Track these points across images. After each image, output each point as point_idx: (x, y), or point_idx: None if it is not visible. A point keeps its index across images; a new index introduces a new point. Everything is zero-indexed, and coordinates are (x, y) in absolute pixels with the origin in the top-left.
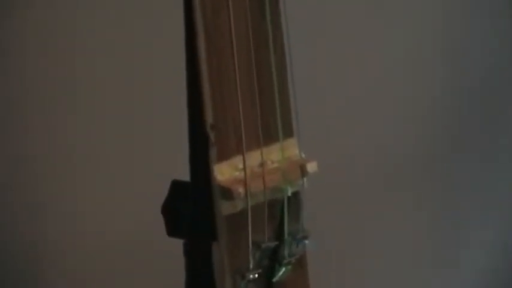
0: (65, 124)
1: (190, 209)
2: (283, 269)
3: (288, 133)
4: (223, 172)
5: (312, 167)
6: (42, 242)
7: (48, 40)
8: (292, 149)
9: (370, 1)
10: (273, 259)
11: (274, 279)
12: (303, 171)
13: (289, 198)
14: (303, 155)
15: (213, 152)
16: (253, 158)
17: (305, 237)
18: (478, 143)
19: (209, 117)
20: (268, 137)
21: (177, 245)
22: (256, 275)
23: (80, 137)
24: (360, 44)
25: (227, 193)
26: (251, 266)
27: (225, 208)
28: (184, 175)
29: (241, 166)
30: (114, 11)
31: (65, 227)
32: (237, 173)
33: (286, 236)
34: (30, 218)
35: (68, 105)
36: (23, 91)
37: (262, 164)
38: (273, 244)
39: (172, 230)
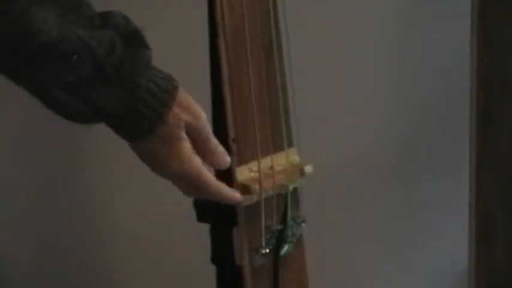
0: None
1: (215, 202)
2: (287, 246)
3: (290, 143)
4: (242, 174)
5: (308, 168)
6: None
7: None
8: (293, 155)
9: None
10: (279, 238)
11: (281, 253)
12: (302, 172)
13: (291, 192)
14: (299, 159)
15: (234, 159)
16: (264, 162)
17: (303, 221)
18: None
19: (231, 132)
20: (275, 147)
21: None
22: (268, 250)
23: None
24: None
25: (246, 189)
26: (263, 244)
27: (244, 200)
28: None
29: (255, 169)
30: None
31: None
32: (252, 174)
33: (289, 220)
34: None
35: None
36: None
37: (271, 167)
38: (279, 227)
39: (201, 217)
